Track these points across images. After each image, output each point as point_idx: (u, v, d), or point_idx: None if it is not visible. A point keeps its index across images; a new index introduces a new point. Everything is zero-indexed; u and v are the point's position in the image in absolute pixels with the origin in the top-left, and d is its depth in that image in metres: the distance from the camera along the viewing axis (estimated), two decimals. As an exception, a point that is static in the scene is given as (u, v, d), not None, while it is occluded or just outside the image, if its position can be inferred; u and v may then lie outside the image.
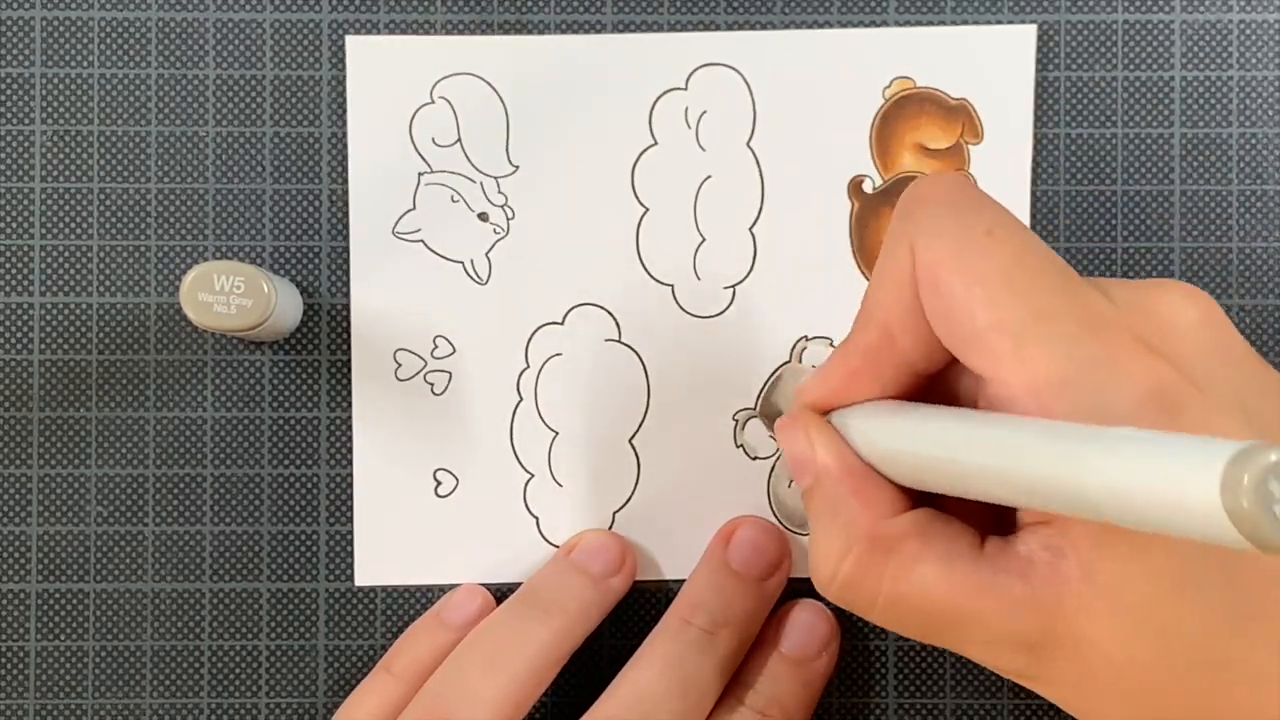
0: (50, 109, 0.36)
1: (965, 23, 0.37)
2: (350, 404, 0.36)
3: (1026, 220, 0.37)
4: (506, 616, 0.34)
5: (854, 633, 0.36)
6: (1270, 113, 0.37)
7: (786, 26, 0.37)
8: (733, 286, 0.37)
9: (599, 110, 0.37)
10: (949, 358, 0.26)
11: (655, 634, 0.34)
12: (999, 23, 0.37)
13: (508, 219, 0.37)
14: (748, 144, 0.37)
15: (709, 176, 0.37)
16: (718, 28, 0.37)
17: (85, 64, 0.36)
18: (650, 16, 0.37)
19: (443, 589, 0.36)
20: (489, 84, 0.37)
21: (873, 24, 0.37)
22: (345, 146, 0.36)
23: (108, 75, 0.36)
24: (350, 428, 0.36)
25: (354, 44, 0.36)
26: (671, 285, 0.37)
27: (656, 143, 0.37)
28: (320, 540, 0.36)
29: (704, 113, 0.37)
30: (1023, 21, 0.37)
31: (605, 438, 0.37)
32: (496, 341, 0.37)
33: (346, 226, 0.36)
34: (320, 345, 0.36)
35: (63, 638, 0.36)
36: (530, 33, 0.37)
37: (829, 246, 0.37)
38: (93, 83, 0.36)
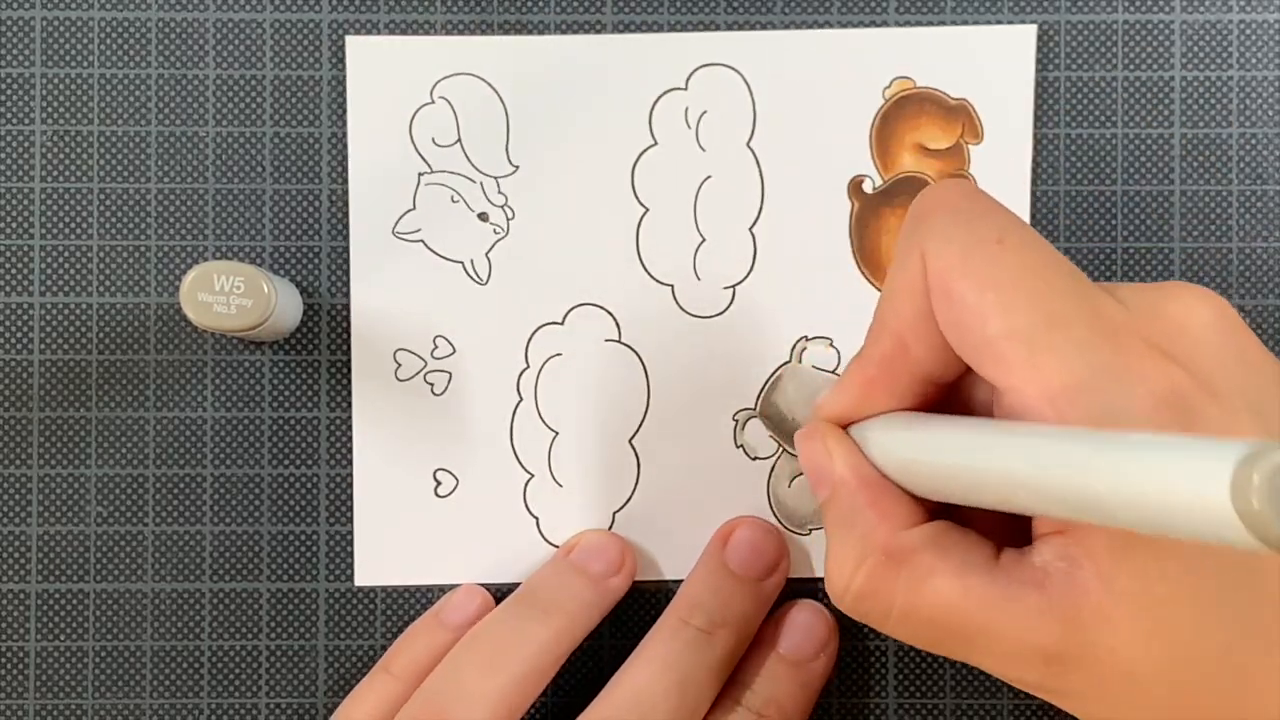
0: (50, 109, 0.36)
1: (965, 23, 0.37)
2: (350, 404, 0.36)
3: (1026, 220, 0.36)
4: (505, 616, 0.34)
5: (853, 633, 0.36)
6: (1270, 113, 0.37)
7: (786, 26, 0.37)
8: (733, 287, 0.37)
9: (599, 110, 0.37)
10: (964, 367, 0.26)
11: (653, 634, 0.34)
12: (999, 23, 0.37)
13: (508, 219, 0.37)
14: (748, 144, 0.37)
15: (709, 177, 0.37)
16: (718, 28, 0.37)
17: (85, 64, 0.36)
18: (650, 16, 0.37)
19: (442, 589, 0.36)
20: (489, 84, 0.37)
21: (873, 24, 0.37)
22: (345, 146, 0.36)
23: (108, 75, 0.37)
24: (350, 428, 0.36)
25: (354, 44, 0.36)
26: (671, 285, 0.37)
27: (656, 143, 0.37)
28: (320, 540, 0.36)
29: (704, 113, 0.37)
30: (1023, 21, 0.37)
31: (605, 438, 0.37)
32: (496, 341, 0.37)
33: (346, 226, 0.36)
34: (320, 345, 0.36)
35: (63, 638, 0.36)
36: (530, 33, 0.37)
37: (829, 247, 0.37)
38: (93, 83, 0.36)
